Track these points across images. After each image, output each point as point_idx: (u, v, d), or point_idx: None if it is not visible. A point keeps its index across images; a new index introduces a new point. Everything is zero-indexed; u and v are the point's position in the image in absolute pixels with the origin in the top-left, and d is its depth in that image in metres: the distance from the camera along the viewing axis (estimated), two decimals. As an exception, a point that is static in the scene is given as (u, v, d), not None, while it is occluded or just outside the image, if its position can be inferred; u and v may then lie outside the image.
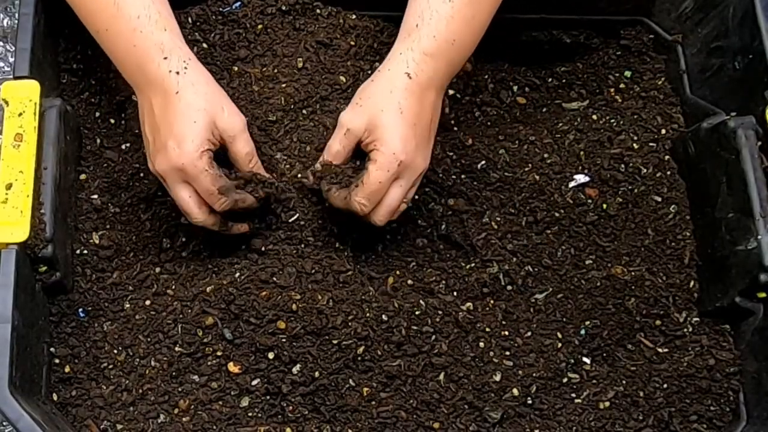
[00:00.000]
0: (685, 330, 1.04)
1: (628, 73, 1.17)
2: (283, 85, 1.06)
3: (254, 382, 0.97)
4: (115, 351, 0.99)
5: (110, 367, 0.98)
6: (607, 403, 1.00)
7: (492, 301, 1.04)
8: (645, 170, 1.10)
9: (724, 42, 1.08)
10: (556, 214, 1.07)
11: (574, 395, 1.01)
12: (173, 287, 1.02)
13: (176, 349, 0.98)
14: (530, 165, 1.10)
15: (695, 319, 1.04)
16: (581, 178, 1.10)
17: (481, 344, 1.00)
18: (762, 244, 0.96)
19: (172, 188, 0.96)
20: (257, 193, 0.98)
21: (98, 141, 1.09)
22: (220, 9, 1.11)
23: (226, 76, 1.07)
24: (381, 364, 0.97)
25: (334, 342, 0.97)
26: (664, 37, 1.17)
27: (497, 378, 0.99)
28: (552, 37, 1.18)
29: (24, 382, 0.89)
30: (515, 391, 0.99)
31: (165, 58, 0.94)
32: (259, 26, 1.10)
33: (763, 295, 0.98)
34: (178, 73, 0.94)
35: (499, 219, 1.07)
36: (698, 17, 1.13)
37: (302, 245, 1.01)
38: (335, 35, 1.09)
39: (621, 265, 1.05)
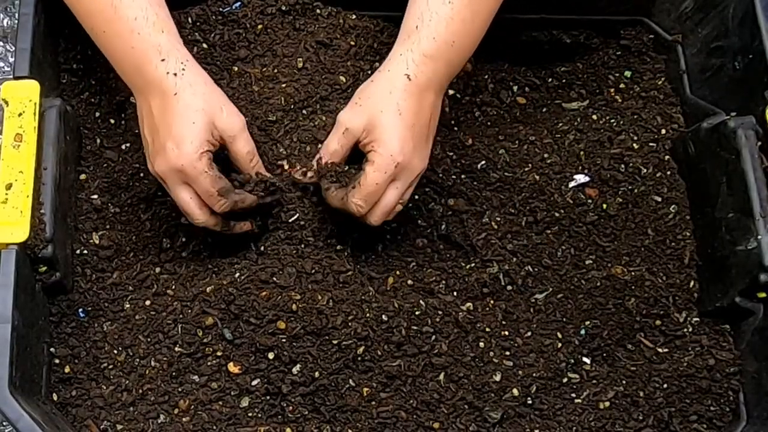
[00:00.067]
0: (685, 330, 1.04)
1: (628, 73, 1.17)
2: (283, 85, 1.06)
3: (254, 382, 0.97)
4: (115, 351, 0.99)
5: (110, 367, 0.98)
6: (607, 403, 1.00)
7: (492, 301, 1.04)
8: (645, 170, 1.10)
9: (724, 42, 1.08)
10: (556, 214, 1.07)
11: (574, 395, 1.01)
12: (173, 287, 1.02)
13: (176, 349, 0.98)
14: (530, 165, 1.10)
15: (695, 319, 1.04)
16: (581, 178, 1.10)
17: (481, 344, 1.00)
18: (762, 244, 0.96)
19: (173, 190, 0.96)
20: (257, 193, 0.98)
21: (98, 141, 1.09)
22: (220, 9, 1.11)
23: (226, 76, 1.07)
24: (381, 364, 0.97)
25: (334, 342, 0.97)
26: (664, 37, 1.17)
27: (497, 378, 0.99)
28: (552, 37, 1.18)
29: (24, 382, 0.89)
30: (515, 391, 0.99)
31: (163, 59, 0.94)
32: (259, 26, 1.10)
33: (763, 295, 0.98)
34: (175, 74, 0.94)
35: (499, 219, 1.07)
36: (698, 17, 1.13)
37: (302, 245, 1.01)
38: (335, 35, 1.09)
39: (621, 265, 1.05)
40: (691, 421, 1.00)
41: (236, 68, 1.07)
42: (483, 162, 1.09)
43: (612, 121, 1.13)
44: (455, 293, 1.04)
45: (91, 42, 1.00)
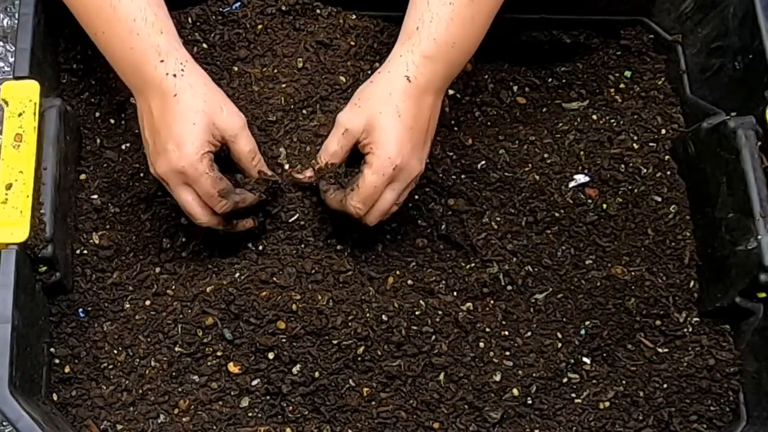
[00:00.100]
0: (685, 330, 1.04)
1: (628, 73, 1.17)
2: (283, 85, 1.06)
3: (254, 382, 0.97)
4: (115, 351, 0.99)
5: (110, 367, 0.98)
6: (607, 403, 1.00)
7: (492, 301, 1.04)
8: (645, 170, 1.10)
9: (724, 42, 1.08)
10: (556, 214, 1.07)
11: (574, 395, 1.01)
12: (173, 287, 1.02)
13: (176, 349, 0.98)
14: (530, 165, 1.10)
15: (695, 319, 1.04)
16: (581, 178, 1.10)
17: (481, 344, 1.00)
18: (762, 244, 0.96)
19: (174, 191, 0.96)
20: (257, 190, 0.98)
21: (98, 141, 1.09)
22: (220, 9, 1.11)
23: (226, 76, 1.07)
24: (381, 364, 0.97)
25: (334, 342, 0.97)
26: (664, 37, 1.17)
27: (497, 378, 0.99)
28: (552, 37, 1.18)
29: (24, 382, 0.89)
30: (515, 391, 0.99)
31: (162, 60, 0.94)
32: (259, 26, 1.10)
33: (763, 295, 0.98)
34: (175, 75, 0.94)
35: (499, 219, 1.07)
36: (698, 17, 1.13)
37: (302, 245, 1.01)
38: (335, 35, 1.09)
39: (621, 265, 1.05)
40: (691, 421, 1.00)
41: (236, 68, 1.07)
42: (483, 162, 1.09)
43: (612, 121, 1.13)
44: (455, 293, 1.04)
45: (91, 42, 1.00)
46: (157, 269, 1.04)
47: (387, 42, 1.08)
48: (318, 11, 1.11)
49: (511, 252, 1.06)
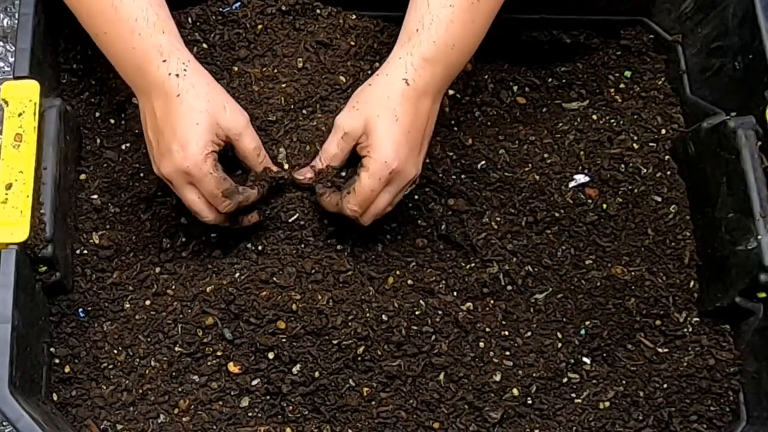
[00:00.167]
0: (685, 330, 1.04)
1: (628, 73, 1.17)
2: (283, 85, 1.06)
3: (254, 382, 0.97)
4: (115, 351, 0.99)
5: (110, 367, 0.98)
6: (607, 403, 1.00)
7: (492, 301, 1.04)
8: (645, 170, 1.10)
9: (724, 42, 1.08)
10: (556, 214, 1.07)
11: (574, 395, 1.01)
12: (173, 287, 1.02)
13: (176, 349, 0.98)
14: (530, 165, 1.10)
15: (695, 319, 1.04)
16: (581, 178, 1.10)
17: (481, 344, 1.00)
18: (762, 244, 0.96)
19: (179, 190, 0.96)
20: (260, 187, 0.98)
21: (98, 141, 1.09)
22: (220, 9, 1.10)
23: (226, 76, 1.07)
24: (381, 364, 0.97)
25: (334, 342, 0.97)
26: (664, 37, 1.17)
27: (497, 378, 0.99)
28: (552, 37, 1.18)
29: (24, 382, 0.89)
30: (515, 391, 0.99)
31: (164, 60, 0.94)
32: (259, 26, 1.10)
33: (763, 295, 0.98)
34: (177, 75, 0.94)
35: (499, 219, 1.07)
36: (698, 17, 1.13)
37: (302, 245, 1.01)
38: (335, 35, 1.09)
39: (621, 265, 1.05)
40: (691, 421, 1.00)
41: (236, 68, 1.07)
42: (483, 162, 1.09)
43: (612, 121, 1.13)
44: (455, 293, 1.04)
45: (92, 42, 1.00)
46: (157, 269, 1.04)
47: (387, 42, 1.08)
48: (318, 11, 1.11)
49: (511, 252, 1.06)
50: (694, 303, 1.05)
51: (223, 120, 0.95)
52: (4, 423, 0.90)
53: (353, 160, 0.98)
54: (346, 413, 0.97)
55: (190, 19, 1.09)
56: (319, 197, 0.99)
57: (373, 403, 0.97)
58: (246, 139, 0.97)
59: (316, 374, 0.96)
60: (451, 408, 0.98)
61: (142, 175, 1.06)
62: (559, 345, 1.02)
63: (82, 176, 1.07)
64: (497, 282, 1.04)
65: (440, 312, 1.01)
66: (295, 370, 0.96)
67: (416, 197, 1.06)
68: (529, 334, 1.02)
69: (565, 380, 1.01)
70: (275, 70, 1.07)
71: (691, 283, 1.05)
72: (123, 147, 1.08)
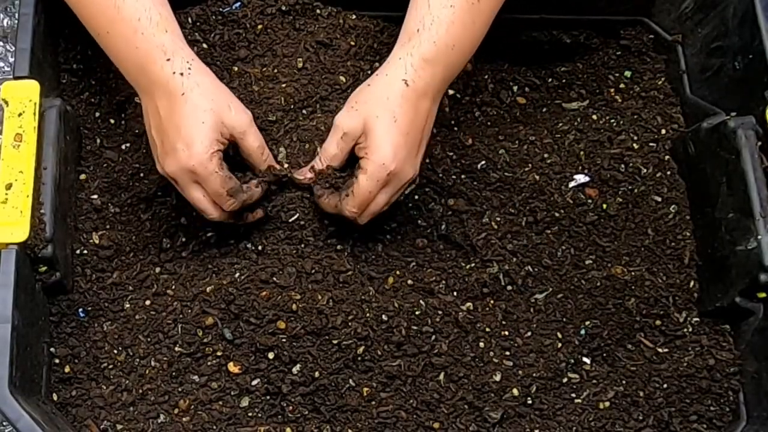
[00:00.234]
0: (685, 330, 1.04)
1: (628, 73, 1.17)
2: (283, 85, 1.06)
3: (254, 382, 0.97)
4: (115, 351, 0.99)
5: (110, 367, 0.98)
6: (607, 403, 1.00)
7: (492, 301, 1.04)
8: (645, 170, 1.10)
9: (724, 42, 1.08)
10: (556, 214, 1.07)
11: (574, 395, 1.01)
12: (173, 287, 1.02)
13: (176, 349, 0.98)
14: (530, 165, 1.10)
15: (695, 319, 1.04)
16: (581, 178, 1.10)
17: (481, 344, 1.00)
18: (762, 244, 0.96)
19: (185, 189, 0.96)
20: (264, 185, 0.98)
21: (98, 141, 1.09)
22: (220, 9, 1.10)
23: (226, 76, 1.07)
24: (381, 364, 0.97)
25: (334, 342, 0.97)
26: (664, 37, 1.17)
27: (497, 378, 0.99)
28: (552, 37, 1.18)
29: (24, 382, 0.89)
30: (515, 391, 0.99)
31: (168, 59, 0.94)
32: (259, 26, 1.10)
33: (763, 295, 0.98)
34: (182, 74, 0.94)
35: (499, 219, 1.07)
36: (698, 17, 1.13)
37: (302, 245, 1.01)
38: (335, 35, 1.09)
39: (621, 265, 1.05)
40: (691, 421, 1.00)
41: (236, 68, 1.07)
42: (483, 162, 1.09)
43: (612, 121, 1.13)
44: (455, 293, 1.04)
45: (92, 42, 1.00)
46: (157, 269, 1.04)
47: (387, 42, 1.08)
48: (318, 11, 1.11)
49: (511, 252, 1.06)
50: (694, 303, 1.05)
51: (227, 118, 0.95)
52: (4, 423, 0.90)
53: (352, 161, 0.98)
54: (346, 413, 0.97)
55: (190, 19, 1.09)
56: (317, 199, 0.99)
57: (373, 403, 0.97)
58: (250, 138, 0.97)
59: (316, 374, 0.96)
60: (451, 408, 0.98)
61: (142, 175, 1.06)
62: (559, 345, 1.02)
63: (82, 176, 1.07)
64: (497, 282, 1.04)
65: (440, 312, 1.01)
66: (295, 370, 0.96)
67: (416, 197, 1.06)
68: (529, 334, 1.02)
69: (565, 380, 1.01)
70: (275, 70, 1.07)
71: (691, 283, 1.05)
72: (123, 147, 1.08)
